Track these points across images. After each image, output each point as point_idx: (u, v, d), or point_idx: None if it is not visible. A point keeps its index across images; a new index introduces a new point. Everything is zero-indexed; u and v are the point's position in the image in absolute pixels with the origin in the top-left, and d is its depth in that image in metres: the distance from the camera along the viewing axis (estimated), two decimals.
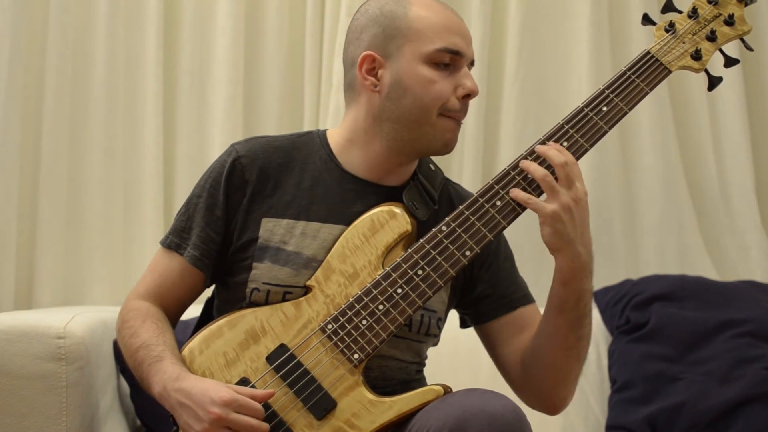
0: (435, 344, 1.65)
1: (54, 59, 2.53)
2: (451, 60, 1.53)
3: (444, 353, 1.90)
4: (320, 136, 1.64)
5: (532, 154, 1.49)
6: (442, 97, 1.52)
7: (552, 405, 1.59)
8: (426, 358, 1.66)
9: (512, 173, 1.49)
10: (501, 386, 1.63)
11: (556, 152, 1.46)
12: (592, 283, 1.50)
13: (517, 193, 1.46)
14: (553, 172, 1.45)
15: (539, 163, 1.47)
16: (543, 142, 1.50)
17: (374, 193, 1.58)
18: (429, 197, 1.61)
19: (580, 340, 1.52)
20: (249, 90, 2.66)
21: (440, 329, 1.62)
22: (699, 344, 2.27)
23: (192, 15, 2.65)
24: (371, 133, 1.57)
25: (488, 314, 1.64)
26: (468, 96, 1.54)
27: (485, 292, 1.64)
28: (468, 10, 2.64)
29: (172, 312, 1.63)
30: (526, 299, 1.65)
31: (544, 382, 1.56)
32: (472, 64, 1.57)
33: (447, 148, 1.57)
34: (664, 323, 2.29)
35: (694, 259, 2.64)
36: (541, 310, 1.58)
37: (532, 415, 1.42)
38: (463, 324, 1.72)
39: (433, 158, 1.67)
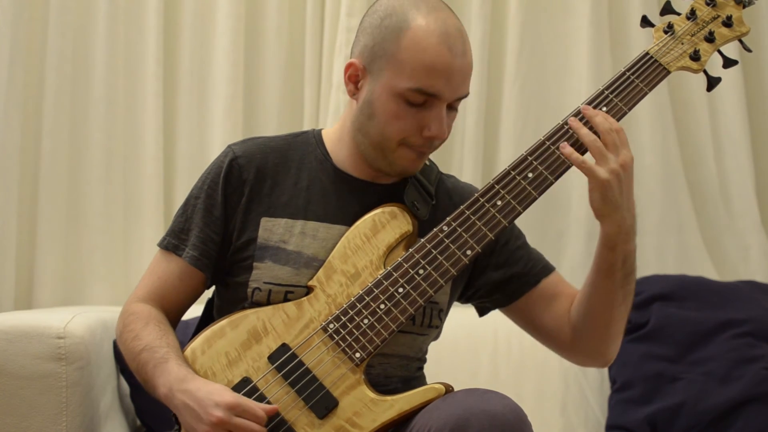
0: (437, 337, 1.66)
1: (54, 59, 2.53)
2: (424, 100, 1.49)
3: (444, 353, 1.90)
4: (315, 136, 1.65)
5: (578, 115, 1.49)
6: (403, 133, 1.51)
7: (606, 360, 1.63)
8: (426, 353, 1.67)
9: (513, 173, 1.50)
10: (501, 386, 1.64)
11: (602, 119, 1.47)
12: (635, 242, 1.52)
13: (570, 153, 1.46)
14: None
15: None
16: (543, 143, 1.50)
17: (370, 192, 1.59)
18: (426, 193, 1.61)
19: (629, 295, 1.56)
20: (249, 90, 2.67)
21: (442, 321, 1.63)
22: (699, 344, 2.27)
23: (192, 15, 2.65)
24: (350, 136, 1.59)
25: (515, 294, 1.65)
26: (432, 138, 1.52)
27: (506, 274, 1.64)
28: (468, 10, 2.64)
29: (173, 314, 1.63)
30: (546, 269, 1.66)
31: (599, 341, 1.59)
32: (459, 100, 1.53)
33: (404, 173, 1.57)
34: (664, 323, 2.29)
35: (694, 259, 2.64)
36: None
37: (533, 416, 1.42)
38: (482, 312, 1.72)
39: (431, 156, 1.67)
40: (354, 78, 1.55)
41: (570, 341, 1.62)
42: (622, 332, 1.60)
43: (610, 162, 1.45)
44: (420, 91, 1.48)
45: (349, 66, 1.55)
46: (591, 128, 1.48)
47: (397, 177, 1.59)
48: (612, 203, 1.45)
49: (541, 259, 1.68)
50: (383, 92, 1.51)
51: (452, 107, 1.54)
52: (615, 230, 1.48)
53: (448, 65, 1.48)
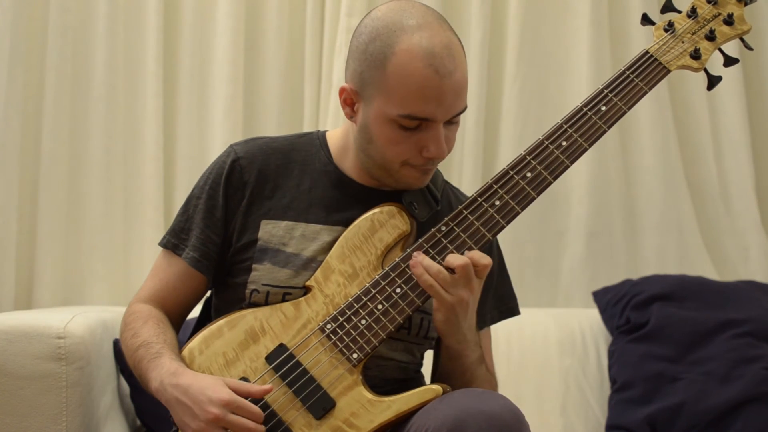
0: (432, 347, 1.65)
1: (54, 59, 2.53)
2: (420, 124, 1.47)
3: None
4: (320, 138, 1.64)
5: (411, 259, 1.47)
6: (403, 156, 1.50)
7: None
8: (423, 357, 1.66)
9: (511, 173, 1.50)
10: (500, 386, 1.63)
11: (452, 258, 1.44)
12: (475, 328, 1.52)
13: (420, 273, 1.43)
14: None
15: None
16: (542, 142, 1.50)
17: (373, 197, 1.59)
18: (432, 197, 1.61)
19: (481, 360, 1.54)
20: (249, 90, 2.66)
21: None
22: (699, 344, 2.27)
23: (192, 15, 2.65)
24: (355, 153, 1.58)
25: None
26: (432, 159, 1.51)
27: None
28: (468, 10, 2.64)
29: (175, 314, 1.63)
30: (483, 324, 1.66)
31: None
32: (459, 113, 1.50)
33: (412, 188, 1.57)
34: (664, 323, 2.29)
35: (694, 259, 2.64)
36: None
37: (532, 416, 1.42)
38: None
39: None
40: (349, 101, 1.53)
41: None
42: (491, 381, 1.59)
43: (459, 291, 1.43)
44: (411, 117, 1.46)
45: (342, 91, 1.53)
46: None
47: (405, 189, 1.58)
48: (455, 325, 1.46)
49: (492, 308, 1.67)
50: (377, 118, 1.49)
51: (451, 122, 1.51)
52: (455, 345, 1.49)
53: (437, 88, 1.44)
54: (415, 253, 1.46)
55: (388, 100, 1.46)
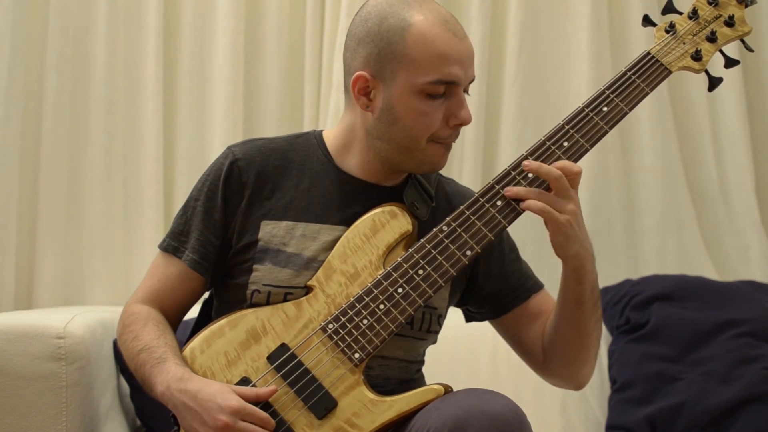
0: (434, 342, 1.65)
1: (54, 59, 2.53)
2: (445, 90, 1.50)
3: (443, 353, 1.90)
4: (317, 137, 1.64)
5: (517, 168, 1.49)
6: (432, 128, 1.51)
7: (578, 383, 1.64)
8: (424, 356, 1.67)
9: (513, 173, 1.50)
10: (500, 386, 1.63)
11: (545, 169, 1.46)
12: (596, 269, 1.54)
13: (528, 204, 1.45)
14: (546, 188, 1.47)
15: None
16: (544, 143, 1.50)
17: (373, 194, 1.58)
18: (427, 195, 1.61)
19: (598, 322, 1.56)
20: (249, 90, 2.66)
21: (440, 326, 1.63)
22: (699, 344, 2.27)
23: (192, 15, 2.65)
24: (365, 144, 1.58)
25: (504, 308, 1.66)
26: (460, 124, 1.53)
27: (497, 287, 1.65)
28: (468, 10, 2.64)
29: (173, 315, 1.63)
30: (536, 286, 1.68)
31: (570, 366, 1.60)
32: (470, 82, 1.55)
33: (434, 169, 1.57)
34: (664, 323, 2.29)
35: (694, 259, 2.64)
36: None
37: (532, 416, 1.42)
38: (469, 319, 1.73)
39: None
40: (364, 90, 1.53)
41: (542, 364, 1.63)
42: (595, 357, 1.60)
43: (565, 206, 1.45)
44: (440, 81, 1.49)
45: (357, 79, 1.52)
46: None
47: (427, 173, 1.59)
48: (575, 241, 1.46)
49: (531, 275, 1.69)
50: (403, 94, 1.50)
51: (467, 92, 1.55)
52: (581, 263, 1.49)
53: (458, 50, 1.50)
54: (507, 189, 1.47)
55: (413, 70, 1.49)
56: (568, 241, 1.46)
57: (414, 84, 1.49)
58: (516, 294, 1.65)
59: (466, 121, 1.52)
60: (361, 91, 1.53)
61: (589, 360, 1.60)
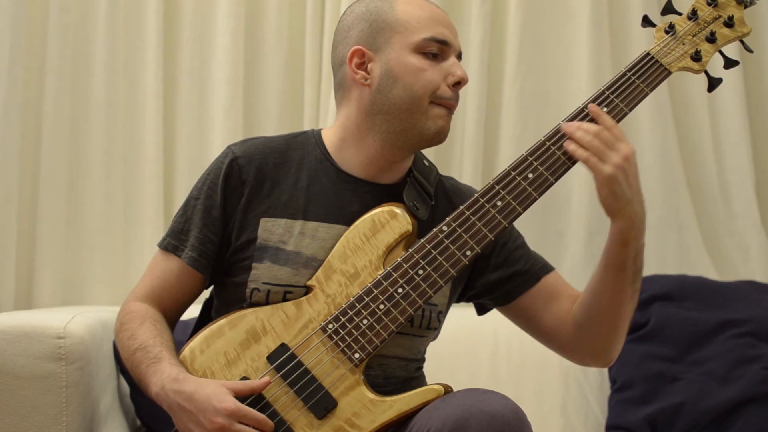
0: (435, 338, 1.66)
1: (54, 59, 2.53)
2: (438, 49, 1.55)
3: (444, 353, 1.90)
4: (315, 136, 1.65)
5: (573, 119, 1.49)
6: (432, 84, 1.54)
7: (609, 359, 1.61)
8: (425, 354, 1.67)
9: (513, 173, 1.50)
10: (501, 386, 1.64)
11: (589, 124, 1.47)
12: (644, 238, 1.52)
13: (575, 149, 1.46)
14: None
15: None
16: (543, 143, 1.50)
17: (370, 192, 1.59)
18: (426, 193, 1.61)
19: (636, 292, 1.55)
20: (249, 90, 2.67)
21: (441, 323, 1.63)
22: (699, 344, 2.27)
23: (192, 15, 2.65)
24: (364, 128, 1.58)
25: (514, 292, 1.65)
26: (458, 84, 1.56)
27: (505, 273, 1.65)
28: (468, 11, 2.64)
29: (171, 314, 1.63)
30: (546, 268, 1.67)
31: (604, 340, 1.58)
32: (459, 57, 1.59)
33: (440, 135, 1.57)
34: (664, 323, 2.29)
35: (694, 259, 2.64)
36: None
37: (532, 416, 1.42)
38: (481, 311, 1.72)
39: (431, 156, 1.67)
40: (361, 65, 1.56)
41: (572, 340, 1.61)
42: (626, 331, 1.59)
43: (612, 156, 1.45)
44: (433, 39, 1.54)
45: (353, 53, 1.56)
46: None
47: (432, 142, 1.58)
48: (622, 198, 1.45)
49: (540, 258, 1.68)
50: (399, 55, 1.54)
51: (459, 59, 1.59)
52: (628, 225, 1.47)
53: (443, 17, 1.59)
54: (565, 125, 1.48)
55: (407, 31, 1.55)
56: (614, 198, 1.45)
57: (409, 43, 1.54)
58: (525, 278, 1.64)
59: (464, 79, 1.55)
60: (359, 66, 1.57)
61: (621, 334, 1.57)
